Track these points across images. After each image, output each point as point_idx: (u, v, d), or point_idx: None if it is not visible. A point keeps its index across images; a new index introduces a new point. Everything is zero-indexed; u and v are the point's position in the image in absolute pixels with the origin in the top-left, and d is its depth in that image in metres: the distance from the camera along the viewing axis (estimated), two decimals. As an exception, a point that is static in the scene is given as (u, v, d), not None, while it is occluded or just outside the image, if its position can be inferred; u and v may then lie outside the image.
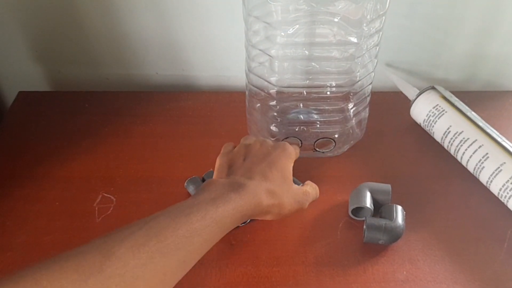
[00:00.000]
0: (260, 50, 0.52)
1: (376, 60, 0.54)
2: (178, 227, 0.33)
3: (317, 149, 0.57)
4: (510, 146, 0.51)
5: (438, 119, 0.56)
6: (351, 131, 0.57)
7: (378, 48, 0.53)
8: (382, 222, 0.47)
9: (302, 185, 0.46)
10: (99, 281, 0.28)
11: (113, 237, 0.31)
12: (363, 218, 0.50)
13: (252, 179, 0.41)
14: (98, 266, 0.29)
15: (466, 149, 0.53)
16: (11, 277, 0.27)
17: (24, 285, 0.26)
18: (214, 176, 0.45)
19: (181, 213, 0.35)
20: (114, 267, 0.29)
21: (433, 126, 0.57)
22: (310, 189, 0.46)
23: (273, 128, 0.56)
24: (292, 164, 0.46)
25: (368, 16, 0.48)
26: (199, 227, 0.34)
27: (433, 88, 0.58)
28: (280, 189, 0.42)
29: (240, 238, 0.49)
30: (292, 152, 0.46)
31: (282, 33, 0.50)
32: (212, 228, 0.35)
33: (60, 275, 0.28)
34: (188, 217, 0.34)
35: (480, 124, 0.53)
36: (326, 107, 0.56)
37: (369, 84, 0.55)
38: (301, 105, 0.56)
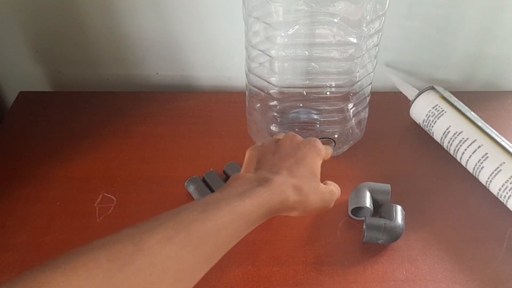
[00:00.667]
0: (260, 50, 0.52)
1: (375, 61, 0.54)
2: (206, 220, 0.34)
3: (317, 149, 0.57)
4: (510, 146, 0.51)
5: (438, 119, 0.56)
6: (350, 131, 0.57)
7: (377, 48, 0.53)
8: (382, 222, 0.47)
9: (326, 184, 0.45)
10: (130, 271, 0.29)
11: (143, 228, 0.31)
12: (363, 218, 0.50)
13: (278, 174, 0.40)
14: (130, 256, 0.29)
15: (465, 149, 0.53)
16: (47, 265, 0.27)
17: (62, 272, 0.27)
18: (242, 170, 0.44)
19: (209, 206, 0.35)
20: (145, 258, 0.29)
21: (432, 126, 0.57)
22: (335, 188, 0.45)
23: (273, 128, 0.57)
24: (320, 161, 0.45)
25: (368, 16, 0.48)
26: (226, 221, 0.34)
27: (432, 88, 0.59)
28: (307, 186, 0.41)
29: (240, 238, 0.49)
30: (321, 149, 0.45)
31: (282, 34, 0.50)
32: (239, 222, 0.35)
33: (95, 265, 0.28)
34: (216, 210, 0.35)
35: (480, 124, 0.54)
36: (326, 107, 0.56)
37: (369, 85, 0.55)
38: (301, 105, 0.57)
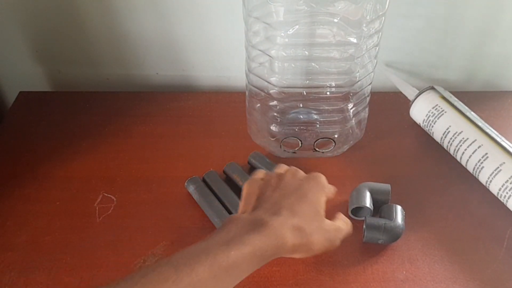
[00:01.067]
0: (260, 50, 0.52)
1: (375, 61, 0.54)
2: (180, 279, 0.30)
3: (317, 149, 0.57)
4: (510, 146, 0.51)
5: (438, 119, 0.56)
6: (350, 131, 0.57)
7: (377, 48, 0.53)
8: (382, 222, 0.47)
9: (334, 219, 0.42)
10: None
11: None
12: (363, 218, 0.50)
13: (278, 215, 0.37)
14: None
15: (465, 149, 0.53)
16: None
17: None
18: (240, 205, 0.42)
19: (187, 261, 0.31)
20: None
21: (432, 126, 0.57)
22: (343, 224, 0.42)
23: (273, 128, 0.57)
24: (325, 198, 0.42)
25: (368, 16, 0.48)
26: (205, 278, 0.31)
27: (432, 88, 0.59)
28: (309, 226, 0.38)
29: (240, 238, 0.49)
30: (325, 185, 0.42)
31: (282, 34, 0.50)
32: (222, 277, 0.32)
33: None
34: (194, 266, 0.31)
35: (480, 124, 0.54)
36: (326, 107, 0.56)
37: (369, 85, 0.55)
38: (301, 105, 0.57)
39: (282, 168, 0.45)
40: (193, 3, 0.62)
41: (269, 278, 0.46)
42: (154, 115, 0.64)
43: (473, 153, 0.52)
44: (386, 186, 0.52)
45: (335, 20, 0.49)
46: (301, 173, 0.44)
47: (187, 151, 0.59)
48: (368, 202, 0.50)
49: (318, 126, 0.56)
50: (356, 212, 0.51)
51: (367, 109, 0.58)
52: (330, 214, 0.51)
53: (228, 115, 0.64)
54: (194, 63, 0.69)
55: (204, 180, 0.54)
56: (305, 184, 0.41)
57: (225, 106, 0.66)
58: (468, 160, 0.53)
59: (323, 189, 0.42)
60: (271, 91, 0.55)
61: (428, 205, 0.53)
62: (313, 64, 0.54)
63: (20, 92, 0.68)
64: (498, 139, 0.52)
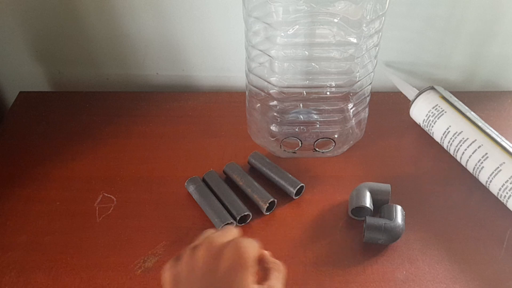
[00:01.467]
0: (260, 50, 0.52)
1: (375, 61, 0.54)
2: None
3: (317, 149, 0.57)
4: (510, 146, 0.51)
5: (438, 119, 0.56)
6: (350, 131, 0.57)
7: (377, 48, 0.53)
8: (382, 222, 0.47)
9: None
10: None
11: None
12: (363, 218, 0.50)
13: None
14: None
15: (465, 149, 0.53)
16: None
17: None
18: None
19: None
20: None
21: (432, 126, 0.57)
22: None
23: (273, 128, 0.57)
24: (250, 271, 0.34)
25: (368, 16, 0.48)
26: None
27: (432, 88, 0.59)
28: None
29: (240, 238, 0.49)
30: (248, 258, 0.35)
31: (282, 34, 0.50)
32: None
33: None
34: None
35: (480, 124, 0.54)
36: (326, 107, 0.56)
37: (369, 85, 0.55)
38: (301, 105, 0.57)
39: (197, 240, 0.38)
40: (193, 3, 0.62)
41: (269, 278, 0.46)
42: (154, 115, 0.64)
43: (473, 153, 0.52)
44: (386, 186, 0.52)
45: (335, 20, 0.49)
46: (216, 244, 0.36)
47: (187, 151, 0.59)
48: (368, 202, 0.50)
49: (318, 126, 0.56)
50: (356, 212, 0.51)
51: (367, 109, 0.58)
52: (330, 214, 0.52)
53: (228, 115, 0.64)
54: (194, 63, 0.69)
55: (204, 180, 0.54)
56: (222, 268, 0.34)
57: (225, 106, 0.66)
58: (468, 160, 0.53)
59: (246, 267, 0.34)
60: (271, 91, 0.55)
61: (428, 205, 0.53)
62: (313, 64, 0.54)
63: (20, 92, 0.68)
64: (498, 139, 0.52)
